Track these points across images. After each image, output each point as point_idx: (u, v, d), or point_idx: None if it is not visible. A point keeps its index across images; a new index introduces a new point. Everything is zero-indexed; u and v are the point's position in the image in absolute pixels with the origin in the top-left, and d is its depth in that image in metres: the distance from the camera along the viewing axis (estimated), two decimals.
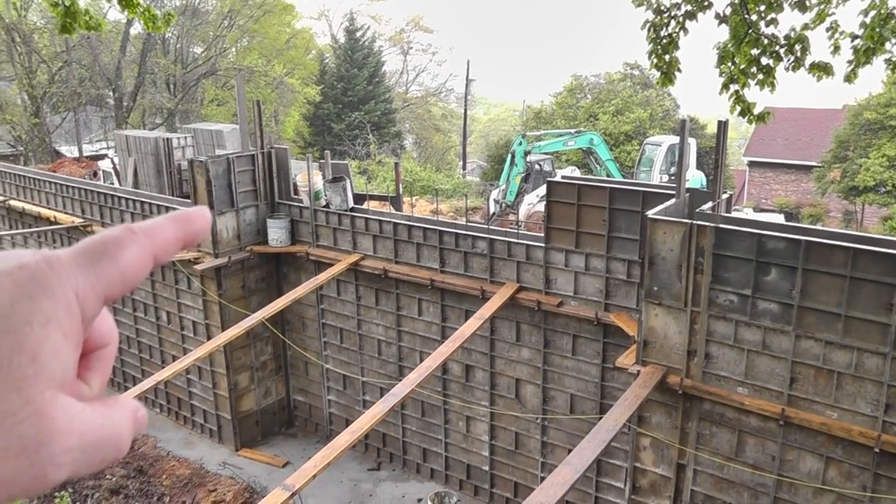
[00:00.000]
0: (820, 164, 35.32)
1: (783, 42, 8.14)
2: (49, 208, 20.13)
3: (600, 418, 9.79)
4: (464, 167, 52.70)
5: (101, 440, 0.69)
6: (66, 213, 19.53)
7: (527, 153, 26.93)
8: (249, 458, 15.87)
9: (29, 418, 0.62)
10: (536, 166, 27.41)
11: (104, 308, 0.73)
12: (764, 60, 8.31)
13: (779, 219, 23.39)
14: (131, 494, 13.36)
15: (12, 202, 21.44)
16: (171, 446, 16.56)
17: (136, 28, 43.49)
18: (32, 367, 0.63)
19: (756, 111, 8.85)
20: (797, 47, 8.08)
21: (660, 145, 29.47)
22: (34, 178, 21.11)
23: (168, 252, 0.76)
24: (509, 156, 27.62)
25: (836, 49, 8.44)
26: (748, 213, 26.60)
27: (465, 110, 56.25)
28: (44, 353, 0.64)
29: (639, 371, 9.87)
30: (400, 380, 12.61)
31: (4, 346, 0.63)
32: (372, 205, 15.92)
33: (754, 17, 8.20)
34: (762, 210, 35.58)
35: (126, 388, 17.81)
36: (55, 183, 20.16)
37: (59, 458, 0.64)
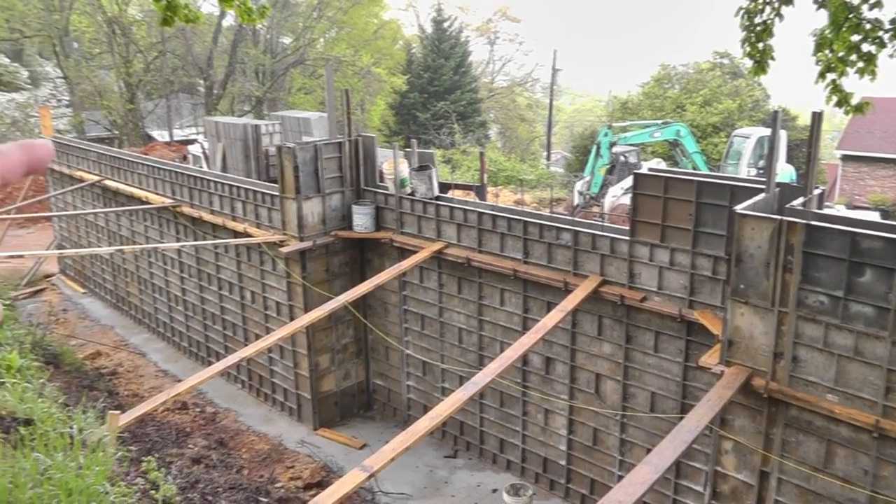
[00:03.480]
0: None
1: (888, 27, 7.76)
2: (141, 188, 20.83)
3: (681, 418, 9.61)
4: (548, 158, 52.36)
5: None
6: (156, 193, 20.16)
7: (612, 144, 26.61)
8: (327, 437, 16.14)
9: None
10: (622, 158, 27.04)
11: None
12: (865, 47, 7.94)
13: (874, 216, 22.49)
14: (212, 464, 13.71)
15: (107, 182, 22.24)
16: (251, 421, 16.96)
17: (228, 19, 44.58)
18: None
19: (853, 101, 8.51)
20: None
21: (748, 137, 28.70)
22: (128, 160, 21.88)
23: (14, 173, 0.84)
24: (594, 147, 27.33)
25: None
26: (840, 210, 25.70)
27: (551, 100, 55.84)
28: None
29: (722, 371, 9.64)
30: (480, 369, 12.63)
31: None
32: (456, 194, 15.97)
33: (856, 1, 7.86)
34: (855, 207, 34.18)
35: (210, 363, 18.30)
36: (147, 165, 20.83)
37: None
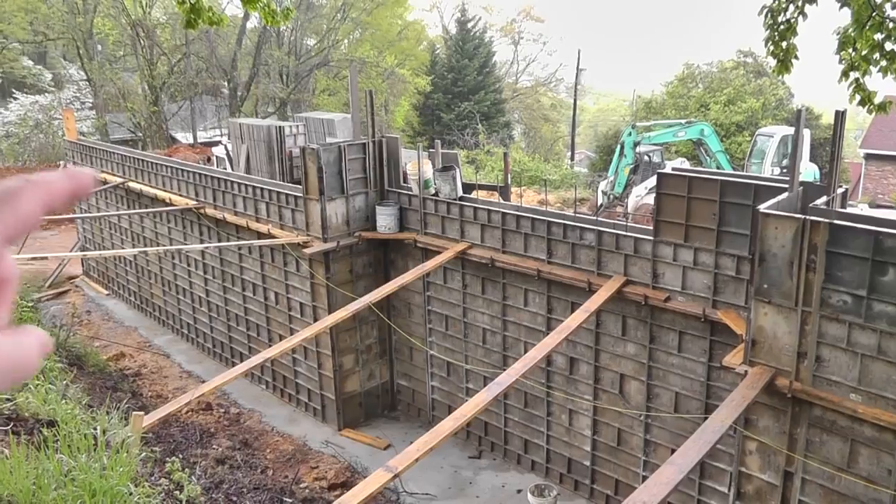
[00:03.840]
0: None
1: None
2: (165, 190, 21.01)
3: (705, 418, 9.59)
4: (572, 158, 52.25)
5: (12, 363, 0.76)
6: (180, 195, 20.34)
7: (636, 144, 26.54)
8: (352, 438, 16.21)
9: None
10: (645, 157, 26.99)
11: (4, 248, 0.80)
12: (889, 46, 7.91)
13: None
14: (236, 465, 13.83)
15: (131, 184, 22.46)
16: (275, 422, 17.07)
17: (252, 22, 44.92)
18: None
19: (877, 100, 8.46)
20: None
21: (772, 136, 28.53)
22: (152, 162, 22.07)
23: (59, 202, 0.84)
24: (618, 147, 27.28)
25: None
26: (864, 209, 25.45)
27: (575, 100, 55.71)
28: None
29: (746, 371, 9.61)
30: (504, 369, 12.65)
31: None
32: (480, 194, 16.01)
33: (879, 0, 7.83)
34: (879, 206, 33.87)
35: (234, 364, 18.43)
36: (171, 167, 21.02)
37: None
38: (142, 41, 42.84)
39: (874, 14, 7.75)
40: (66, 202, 0.87)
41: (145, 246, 22.53)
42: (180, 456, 12.95)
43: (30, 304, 18.78)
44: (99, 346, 20.72)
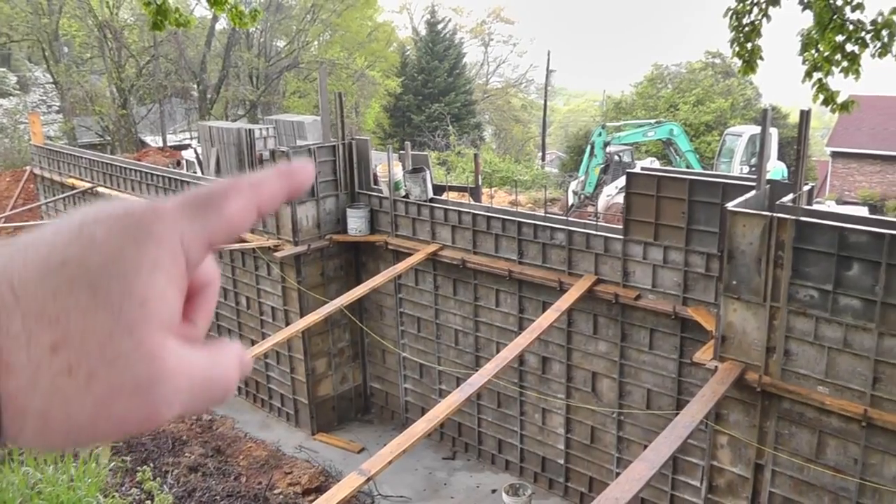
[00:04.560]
0: None
1: (869, 28, 7.87)
2: (135, 195, 20.79)
3: (677, 414, 9.68)
4: (543, 158, 52.40)
5: (209, 381, 0.73)
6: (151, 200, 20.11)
7: (606, 144, 26.70)
8: (325, 442, 16.16)
9: (141, 359, 0.66)
10: (616, 157, 27.15)
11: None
12: (849, 47, 8.05)
13: (863, 212, 22.61)
14: (209, 472, 13.74)
15: (100, 189, 22.23)
16: (248, 428, 16.96)
17: (222, 23, 44.62)
18: (142, 310, 0.67)
19: (840, 100, 8.61)
20: (884, 33, 7.79)
21: (741, 136, 28.84)
22: (121, 167, 21.83)
23: (272, 204, 0.79)
24: (588, 147, 27.43)
25: None
26: (830, 206, 25.84)
27: (545, 101, 55.95)
28: (152, 297, 0.68)
29: (716, 367, 9.72)
30: (476, 370, 12.67)
31: (115, 290, 0.66)
32: (451, 195, 16.02)
33: (839, 3, 7.96)
34: (845, 202, 34.43)
35: None
36: (140, 171, 20.84)
37: (171, 398, 0.68)
38: (109, 43, 42.29)
39: (835, 17, 7.88)
40: (280, 203, 0.82)
41: None
42: (152, 465, 12.89)
43: None
44: None
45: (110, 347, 0.65)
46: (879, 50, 7.86)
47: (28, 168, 29.10)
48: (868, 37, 7.84)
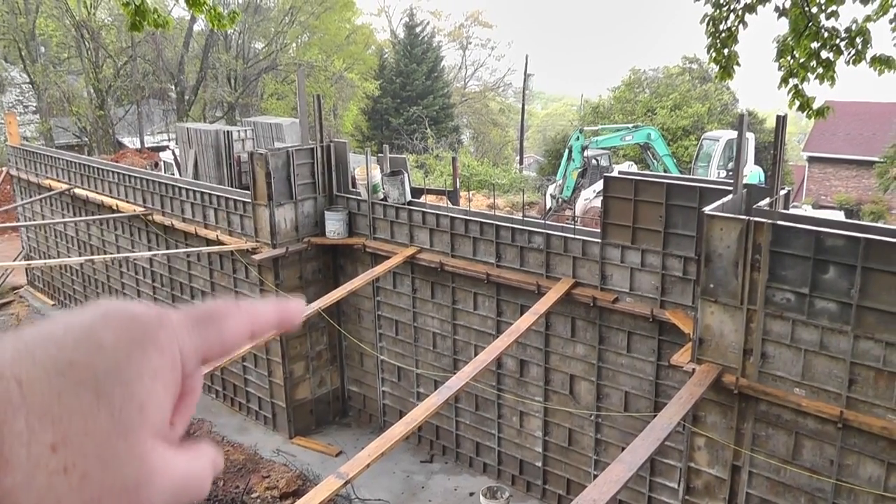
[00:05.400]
0: (882, 160, 34.27)
1: (844, 35, 7.96)
2: (112, 197, 20.64)
3: (654, 416, 9.73)
4: (521, 162, 52.53)
5: (187, 482, 0.76)
6: (127, 201, 20.00)
7: (584, 148, 26.81)
8: (303, 446, 16.10)
9: (132, 462, 0.69)
10: (593, 161, 27.27)
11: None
12: (824, 54, 8.13)
13: (839, 216, 22.85)
14: None
15: (77, 190, 22.04)
16: (225, 431, 16.88)
17: (200, 24, 44.38)
18: (140, 416, 0.70)
19: (816, 106, 8.69)
20: (858, 40, 7.88)
21: (718, 140, 29.07)
22: (98, 168, 21.65)
23: (263, 332, 0.85)
24: (566, 151, 27.54)
25: None
26: (807, 210, 26.07)
27: (523, 105, 56.09)
28: (150, 404, 0.71)
29: (694, 369, 9.78)
30: (454, 373, 12.67)
31: (117, 395, 0.69)
32: (429, 199, 16.00)
33: (814, 10, 8.05)
34: (822, 207, 34.75)
35: None
36: (118, 173, 20.66)
37: (154, 499, 0.71)
38: (87, 43, 41.90)
39: (810, 24, 7.96)
40: (270, 333, 0.89)
41: (92, 254, 22.11)
42: None
43: None
44: None
45: (106, 449, 0.68)
46: (853, 57, 7.95)
47: (4, 169, 28.79)
48: (842, 44, 7.92)
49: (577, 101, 61.99)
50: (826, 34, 7.98)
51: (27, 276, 27.68)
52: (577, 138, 26.97)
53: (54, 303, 25.75)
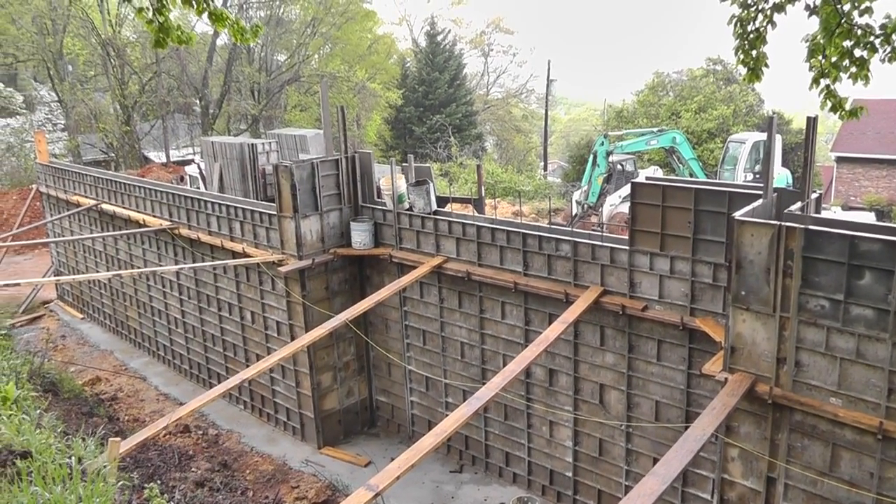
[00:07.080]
0: None
1: (878, 32, 7.75)
2: (138, 211, 20.82)
3: (686, 426, 9.59)
4: (545, 168, 52.42)
5: None
6: (154, 216, 20.15)
7: (609, 153, 26.69)
8: (332, 456, 16.08)
9: None
10: (618, 166, 27.16)
11: None
12: (857, 52, 7.93)
13: (869, 217, 22.49)
14: (216, 487, 13.65)
15: (104, 206, 22.24)
16: (254, 442, 16.90)
17: (223, 39, 44.81)
18: None
19: (848, 106, 8.50)
20: (894, 37, 7.68)
21: (744, 143, 28.82)
22: (125, 183, 21.86)
23: None
24: (591, 156, 27.42)
25: None
26: (836, 212, 25.73)
27: (546, 111, 55.93)
28: None
29: (726, 379, 9.61)
30: (483, 383, 12.60)
31: None
32: (454, 207, 15.96)
33: (847, 7, 7.85)
34: (851, 208, 34.25)
35: (211, 385, 18.26)
36: (144, 187, 20.83)
37: None
38: (112, 60, 42.48)
39: (842, 21, 7.77)
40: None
41: (120, 268, 22.29)
42: (158, 481, 12.80)
43: (2, 332, 18.48)
44: (74, 372, 20.46)
45: None
46: (889, 54, 7.73)
47: (34, 186, 29.15)
48: (877, 41, 7.71)
49: (601, 106, 61.72)
50: (859, 31, 7.78)
51: (57, 290, 28.01)
52: (602, 143, 26.84)
53: (83, 316, 25.98)
